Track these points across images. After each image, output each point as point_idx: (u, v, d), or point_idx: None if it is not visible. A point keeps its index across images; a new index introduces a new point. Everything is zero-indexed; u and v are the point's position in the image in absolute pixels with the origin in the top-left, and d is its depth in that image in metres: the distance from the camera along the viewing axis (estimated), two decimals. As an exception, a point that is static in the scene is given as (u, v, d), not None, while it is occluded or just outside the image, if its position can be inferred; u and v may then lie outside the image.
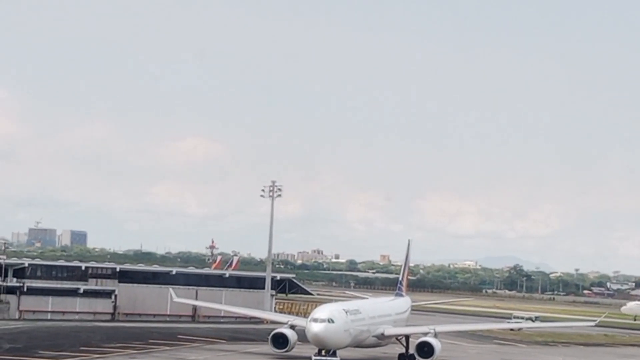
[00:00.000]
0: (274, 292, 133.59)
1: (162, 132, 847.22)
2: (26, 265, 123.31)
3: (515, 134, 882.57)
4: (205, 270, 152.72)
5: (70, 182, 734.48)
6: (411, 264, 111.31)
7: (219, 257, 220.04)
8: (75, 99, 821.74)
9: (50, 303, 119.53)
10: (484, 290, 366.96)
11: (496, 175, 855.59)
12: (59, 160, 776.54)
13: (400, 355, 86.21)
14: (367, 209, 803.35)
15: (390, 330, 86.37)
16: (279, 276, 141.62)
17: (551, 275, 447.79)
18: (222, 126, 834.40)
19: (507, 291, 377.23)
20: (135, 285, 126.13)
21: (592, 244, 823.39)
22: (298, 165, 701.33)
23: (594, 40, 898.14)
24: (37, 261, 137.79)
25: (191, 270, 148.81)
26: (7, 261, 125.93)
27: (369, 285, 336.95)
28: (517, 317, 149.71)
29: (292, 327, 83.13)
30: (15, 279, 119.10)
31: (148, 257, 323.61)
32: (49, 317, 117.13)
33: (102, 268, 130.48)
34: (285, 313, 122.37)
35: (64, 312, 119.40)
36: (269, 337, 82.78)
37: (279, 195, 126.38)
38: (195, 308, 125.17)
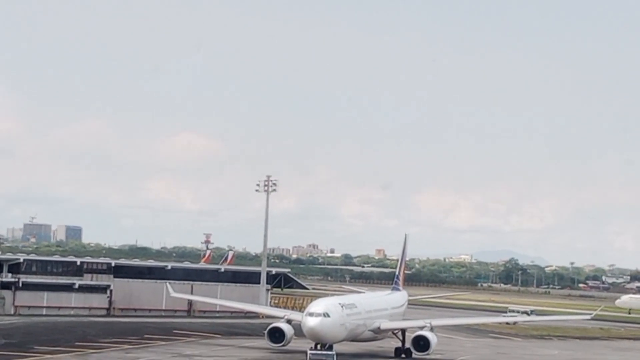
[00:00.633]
0: (269, 286, 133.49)
1: (156, 127, 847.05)
2: (21, 260, 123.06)
3: (511, 129, 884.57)
4: (201, 265, 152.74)
5: (65, 178, 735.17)
6: (407, 258, 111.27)
7: (208, 252, 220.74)
8: (69, 95, 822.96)
9: (45, 298, 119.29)
10: (479, 284, 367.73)
11: (492, 169, 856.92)
12: (53, 156, 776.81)
13: (397, 349, 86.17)
14: (362, 203, 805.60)
15: (386, 324, 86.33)
16: (274, 271, 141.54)
17: (546, 269, 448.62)
18: (217, 121, 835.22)
19: (502, 285, 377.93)
20: (131, 280, 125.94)
21: (587, 237, 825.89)
22: (293, 160, 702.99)
23: (591, 38, 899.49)
24: (32, 256, 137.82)
25: (186, 265, 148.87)
26: (2, 256, 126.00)
27: (364, 279, 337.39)
28: (513, 311, 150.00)
29: (289, 321, 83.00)
30: (10, 275, 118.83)
31: (143, 252, 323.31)
32: (44, 313, 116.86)
33: (97, 263, 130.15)
34: (280, 307, 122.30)
35: (59, 308, 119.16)
36: (266, 332, 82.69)
37: (274, 190, 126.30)
38: (190, 303, 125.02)
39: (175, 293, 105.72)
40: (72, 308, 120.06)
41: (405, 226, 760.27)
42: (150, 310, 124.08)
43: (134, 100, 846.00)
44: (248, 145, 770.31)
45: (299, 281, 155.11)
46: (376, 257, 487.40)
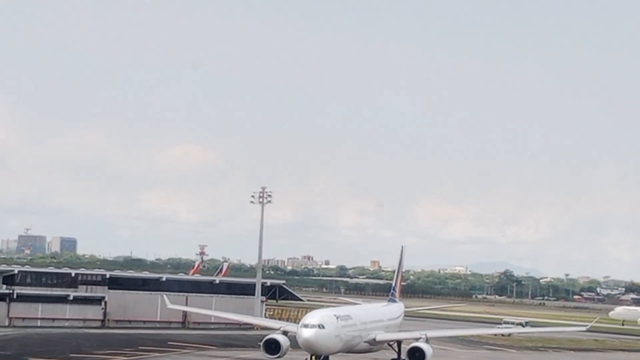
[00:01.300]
0: (264, 298, 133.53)
1: (152, 138, 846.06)
2: (16, 272, 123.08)
3: (507, 140, 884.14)
4: (196, 277, 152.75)
5: (60, 189, 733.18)
6: (403, 270, 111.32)
7: (196, 263, 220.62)
8: (66, 106, 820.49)
9: (40, 310, 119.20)
10: (474, 296, 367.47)
11: (488, 181, 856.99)
12: (49, 167, 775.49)
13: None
14: (358, 215, 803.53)
15: (381, 336, 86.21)
16: (269, 282, 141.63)
17: (541, 281, 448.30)
18: (213, 133, 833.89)
19: (497, 296, 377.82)
20: (126, 291, 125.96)
21: (582, 249, 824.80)
22: (289, 171, 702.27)
23: (588, 46, 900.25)
24: (27, 268, 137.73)
25: (181, 276, 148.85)
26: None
27: (359, 290, 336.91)
28: (508, 323, 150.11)
29: (285, 332, 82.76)
30: (4, 286, 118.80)
31: (138, 263, 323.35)
32: (38, 324, 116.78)
33: (92, 275, 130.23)
34: (275, 319, 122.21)
35: (53, 319, 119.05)
36: (261, 343, 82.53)
37: (269, 202, 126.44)
38: (185, 314, 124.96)
39: (172, 305, 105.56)
40: (67, 320, 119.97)
41: (401, 237, 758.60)
42: (144, 321, 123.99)
43: (131, 112, 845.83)
44: (245, 156, 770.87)
45: (294, 293, 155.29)
46: (371, 269, 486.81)
